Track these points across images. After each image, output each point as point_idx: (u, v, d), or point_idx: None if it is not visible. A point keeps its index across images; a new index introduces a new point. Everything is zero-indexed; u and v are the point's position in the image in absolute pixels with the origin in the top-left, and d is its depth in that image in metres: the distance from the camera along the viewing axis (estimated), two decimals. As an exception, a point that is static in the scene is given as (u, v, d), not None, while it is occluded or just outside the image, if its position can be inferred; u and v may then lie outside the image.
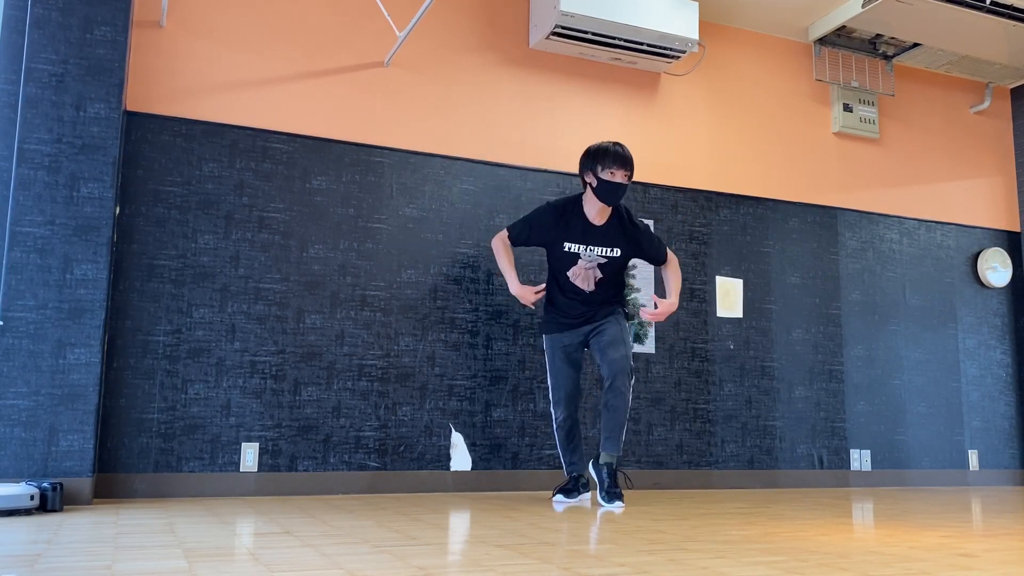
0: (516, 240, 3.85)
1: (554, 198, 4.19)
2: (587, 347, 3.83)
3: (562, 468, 3.95)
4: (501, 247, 3.85)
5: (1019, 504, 3.95)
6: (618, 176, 3.64)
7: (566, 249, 3.73)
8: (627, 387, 3.63)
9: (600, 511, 3.34)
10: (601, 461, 3.66)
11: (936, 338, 5.51)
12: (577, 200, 3.78)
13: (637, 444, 4.60)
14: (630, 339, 3.79)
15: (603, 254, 3.74)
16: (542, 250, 4.55)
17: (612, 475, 3.60)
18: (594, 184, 3.67)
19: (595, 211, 3.73)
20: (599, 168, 3.65)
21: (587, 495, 3.81)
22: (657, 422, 4.66)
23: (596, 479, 3.72)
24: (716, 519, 3.05)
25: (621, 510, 3.38)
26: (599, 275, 3.75)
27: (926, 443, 5.35)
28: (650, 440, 4.63)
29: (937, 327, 5.54)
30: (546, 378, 4.44)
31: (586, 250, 3.72)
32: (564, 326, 3.79)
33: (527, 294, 3.77)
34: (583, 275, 3.73)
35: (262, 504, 3.42)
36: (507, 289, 4.44)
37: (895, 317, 5.42)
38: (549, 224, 3.75)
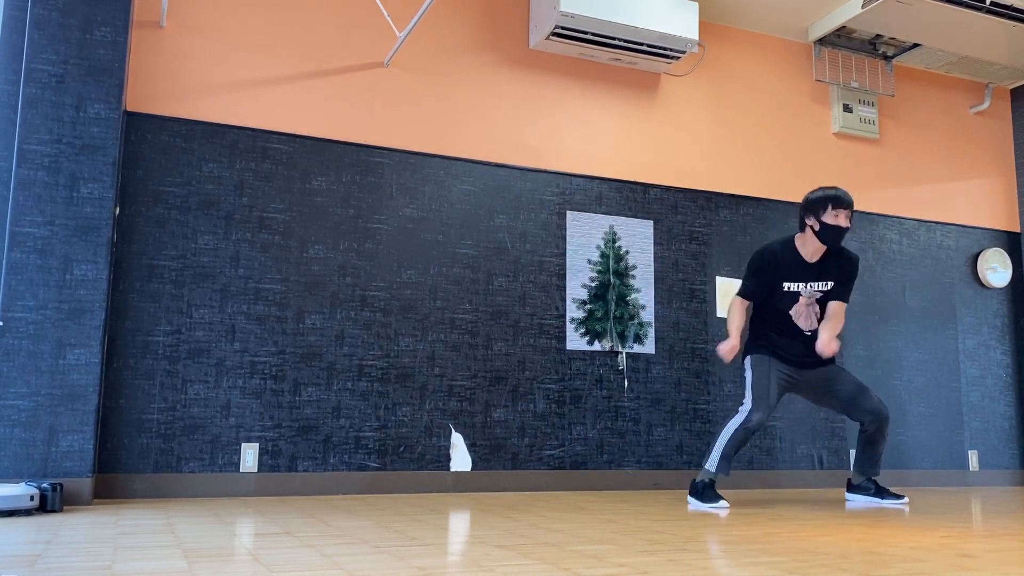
0: (752, 295, 3.84)
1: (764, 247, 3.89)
2: (801, 392, 3.94)
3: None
4: (740, 310, 3.83)
5: (1019, 504, 3.95)
6: (841, 219, 3.72)
7: (786, 289, 3.78)
8: (888, 431, 3.89)
9: (881, 504, 3.83)
10: (865, 480, 3.94)
11: (936, 338, 5.51)
12: (788, 242, 3.85)
13: (637, 444, 4.60)
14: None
15: (819, 288, 3.80)
16: (541, 254, 4.55)
17: (880, 486, 3.94)
18: (817, 228, 3.75)
19: (810, 251, 3.80)
20: (822, 212, 3.73)
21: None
22: (657, 422, 4.66)
23: (865, 494, 3.94)
24: (716, 519, 3.05)
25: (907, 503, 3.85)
26: (818, 310, 3.81)
27: (926, 443, 5.35)
28: (650, 440, 4.63)
29: (937, 327, 5.54)
30: (546, 379, 4.44)
31: (805, 287, 3.79)
32: (781, 358, 3.83)
33: (731, 352, 3.73)
34: (805, 313, 3.80)
35: (262, 504, 3.41)
36: (507, 289, 4.43)
37: (895, 317, 5.42)
38: (770, 268, 3.79)
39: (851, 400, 3.82)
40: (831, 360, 3.86)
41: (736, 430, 3.71)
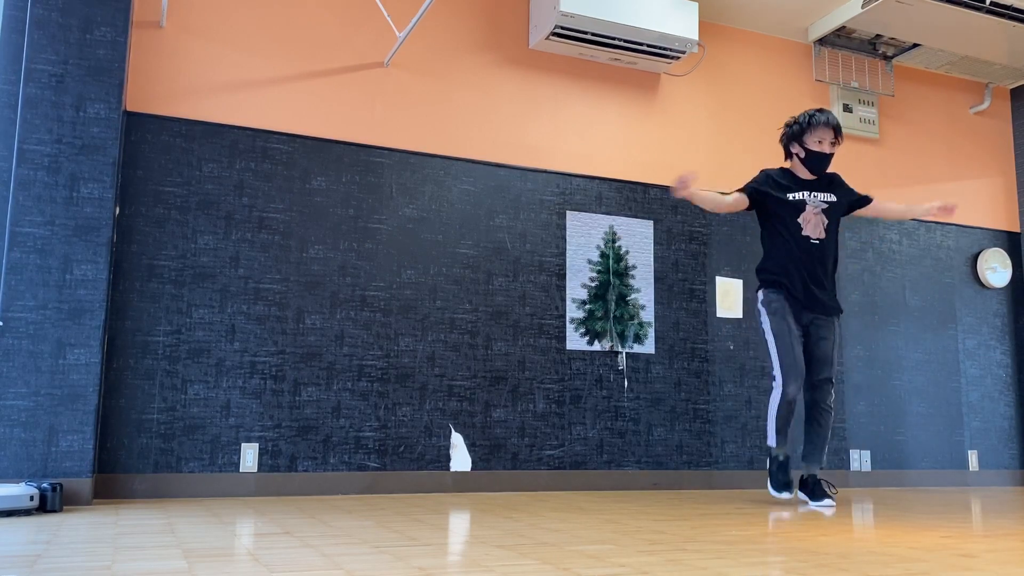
0: (751, 192, 3.82)
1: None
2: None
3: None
4: (724, 197, 3.87)
5: (1019, 504, 3.95)
6: (825, 144, 3.76)
7: (791, 198, 3.80)
8: (832, 406, 3.80)
9: (809, 507, 3.66)
10: (808, 475, 3.79)
11: (936, 338, 5.51)
12: (783, 168, 3.91)
13: (637, 444, 4.60)
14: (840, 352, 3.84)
15: (824, 200, 3.82)
16: (541, 254, 4.55)
17: (816, 482, 3.77)
18: (803, 155, 3.80)
19: (803, 174, 3.86)
20: (806, 137, 3.77)
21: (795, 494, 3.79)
22: (657, 422, 4.66)
23: (803, 492, 3.81)
24: (716, 519, 3.05)
25: (830, 509, 3.59)
26: (825, 220, 3.81)
27: (926, 443, 5.35)
28: (650, 440, 4.63)
29: (937, 327, 5.54)
30: (546, 379, 4.44)
31: (810, 195, 3.81)
32: (791, 297, 3.77)
33: (681, 181, 3.63)
34: (813, 221, 3.79)
35: (262, 504, 3.42)
36: (507, 289, 4.44)
37: (895, 317, 5.42)
38: (772, 179, 3.84)
39: (813, 356, 3.76)
40: (836, 309, 3.83)
41: (779, 406, 3.73)
